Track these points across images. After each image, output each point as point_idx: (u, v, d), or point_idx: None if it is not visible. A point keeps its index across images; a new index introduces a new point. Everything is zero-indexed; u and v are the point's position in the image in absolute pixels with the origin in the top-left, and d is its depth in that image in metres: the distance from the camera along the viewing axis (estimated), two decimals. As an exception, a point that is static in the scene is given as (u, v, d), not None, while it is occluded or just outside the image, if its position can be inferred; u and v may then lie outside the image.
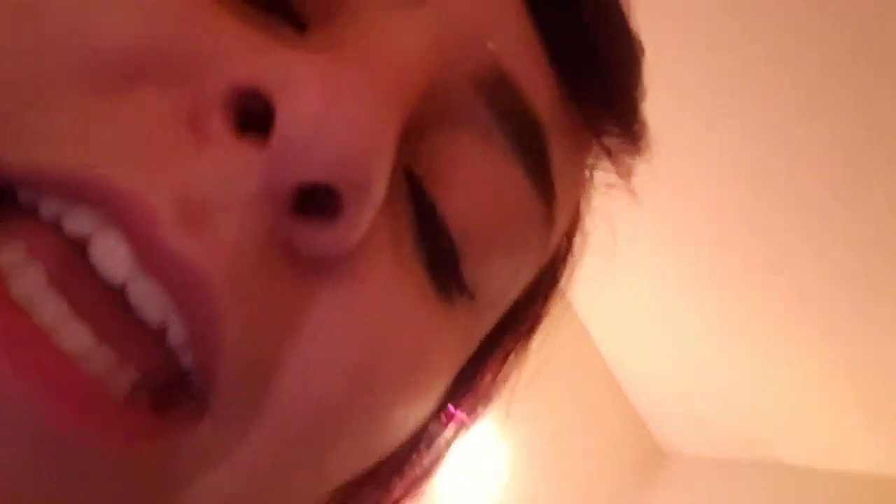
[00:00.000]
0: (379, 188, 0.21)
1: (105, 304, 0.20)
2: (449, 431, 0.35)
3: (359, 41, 0.23)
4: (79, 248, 0.20)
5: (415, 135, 0.24)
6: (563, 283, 0.37)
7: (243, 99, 0.20)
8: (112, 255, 0.19)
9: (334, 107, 0.19)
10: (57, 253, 0.20)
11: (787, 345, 2.13)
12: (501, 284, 0.30)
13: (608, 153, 0.31)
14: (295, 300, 0.22)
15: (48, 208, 0.20)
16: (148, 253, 0.19)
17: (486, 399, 0.36)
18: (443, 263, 0.27)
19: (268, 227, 0.20)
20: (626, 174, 0.33)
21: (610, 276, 2.08)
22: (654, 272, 2.15)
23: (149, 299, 0.20)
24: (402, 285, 0.25)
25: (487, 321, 0.31)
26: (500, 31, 0.27)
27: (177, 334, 0.20)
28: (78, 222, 0.19)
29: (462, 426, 0.36)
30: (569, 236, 0.35)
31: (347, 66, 0.21)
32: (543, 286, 0.35)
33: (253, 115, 0.20)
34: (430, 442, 0.34)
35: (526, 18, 0.28)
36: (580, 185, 0.34)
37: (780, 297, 2.01)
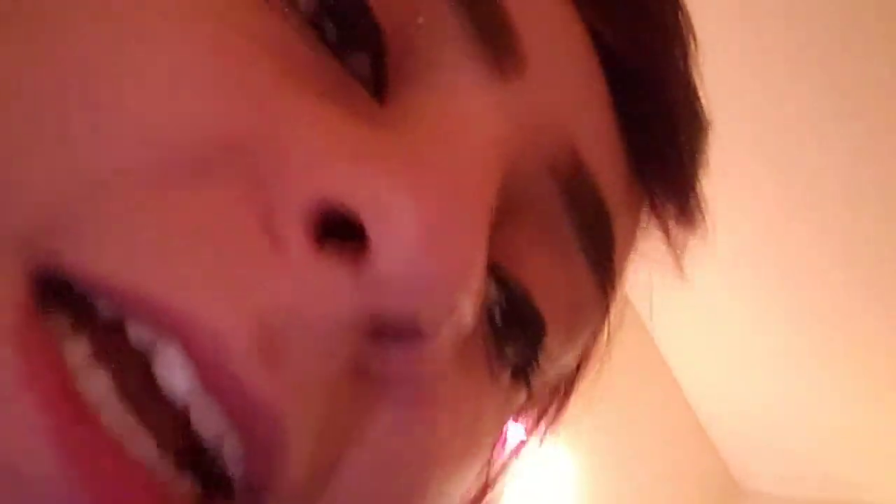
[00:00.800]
0: (472, 318, 0.20)
1: (163, 409, 0.18)
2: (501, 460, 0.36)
3: (443, 125, 0.22)
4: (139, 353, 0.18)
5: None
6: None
7: (326, 209, 0.19)
8: (175, 373, 0.18)
9: (433, 244, 0.18)
10: (118, 355, 0.18)
11: (873, 385, 2.06)
12: (551, 368, 0.30)
13: (667, 235, 0.31)
14: (358, 411, 0.21)
15: (107, 310, 0.18)
16: (216, 383, 0.18)
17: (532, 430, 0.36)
18: (512, 354, 0.26)
19: (346, 356, 0.19)
20: (680, 252, 0.32)
21: (693, 310, 2.06)
22: (738, 307, 2.12)
23: (208, 420, 0.18)
24: (463, 385, 0.24)
25: (527, 396, 0.31)
26: (582, 117, 0.26)
27: (232, 450, 0.19)
28: (140, 332, 0.18)
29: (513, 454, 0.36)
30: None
31: (442, 181, 0.20)
32: (583, 353, 0.34)
33: (334, 223, 0.19)
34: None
35: (606, 101, 0.27)
36: (630, 258, 0.33)
37: (868, 337, 1.95)
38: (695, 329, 2.20)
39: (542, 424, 0.36)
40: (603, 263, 0.27)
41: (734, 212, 1.74)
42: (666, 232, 0.31)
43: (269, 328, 0.17)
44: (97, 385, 0.18)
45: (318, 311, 0.18)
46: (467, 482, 0.27)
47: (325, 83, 0.21)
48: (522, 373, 0.27)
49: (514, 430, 0.35)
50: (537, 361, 0.27)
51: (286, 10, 0.21)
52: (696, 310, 2.06)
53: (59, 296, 0.18)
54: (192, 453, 0.19)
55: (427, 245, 0.18)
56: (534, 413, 0.35)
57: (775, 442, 2.46)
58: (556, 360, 0.29)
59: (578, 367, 0.35)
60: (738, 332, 2.22)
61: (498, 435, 0.29)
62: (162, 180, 0.18)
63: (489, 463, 0.35)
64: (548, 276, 0.26)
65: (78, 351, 0.18)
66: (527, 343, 0.27)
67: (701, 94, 0.30)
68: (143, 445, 0.18)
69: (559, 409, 0.36)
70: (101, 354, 0.18)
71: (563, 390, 0.36)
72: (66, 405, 0.16)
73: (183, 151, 0.18)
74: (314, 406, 0.19)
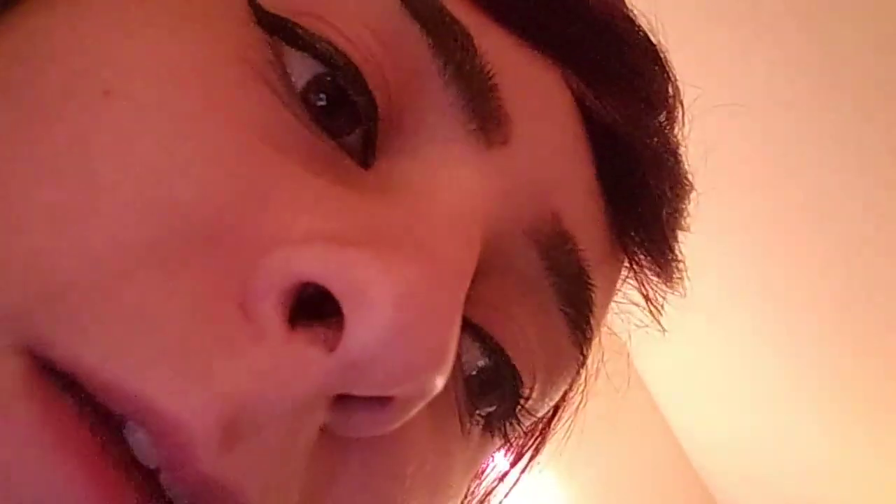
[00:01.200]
0: (439, 389, 0.20)
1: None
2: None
3: (426, 191, 0.22)
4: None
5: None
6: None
7: (301, 288, 0.19)
8: (144, 449, 0.18)
9: (407, 329, 0.18)
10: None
11: (854, 407, 2.07)
12: (527, 420, 0.30)
13: (646, 298, 0.32)
14: (324, 473, 0.21)
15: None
16: (179, 468, 0.18)
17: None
18: (488, 410, 0.27)
19: (313, 428, 0.19)
20: (658, 312, 0.33)
21: (677, 342, 2.06)
22: (722, 340, 2.12)
23: (176, 492, 0.18)
24: (434, 441, 0.24)
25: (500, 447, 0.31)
26: (565, 184, 0.26)
27: None
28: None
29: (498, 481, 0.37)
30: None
31: (419, 262, 0.19)
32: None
33: (309, 297, 0.19)
34: None
35: (591, 168, 0.27)
36: (606, 314, 0.33)
37: (850, 361, 1.96)
38: (678, 361, 2.21)
39: (525, 456, 0.36)
40: (581, 325, 0.28)
41: (717, 246, 1.76)
42: (644, 288, 0.32)
43: (235, 414, 0.17)
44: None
45: (287, 391, 0.18)
46: None
47: (311, 154, 0.22)
48: (499, 427, 0.28)
49: (498, 459, 0.35)
50: (516, 418, 0.28)
51: (279, 86, 0.22)
52: (680, 342, 2.06)
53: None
54: None
55: (402, 332, 0.18)
56: (516, 446, 0.35)
57: (759, 470, 2.46)
58: (533, 413, 0.29)
59: (556, 409, 0.35)
60: (721, 363, 2.23)
61: (469, 481, 0.30)
62: (142, 261, 0.18)
63: (469, 495, 0.34)
64: (527, 336, 0.27)
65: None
66: (504, 401, 0.27)
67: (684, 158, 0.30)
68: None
69: (541, 443, 0.36)
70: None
71: (542, 428, 0.36)
72: (85, 449, 0.17)
73: (165, 229, 0.18)
74: (277, 480, 0.19)
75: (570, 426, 0.38)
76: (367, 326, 0.18)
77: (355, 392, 0.19)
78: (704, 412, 2.44)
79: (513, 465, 0.36)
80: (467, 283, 0.21)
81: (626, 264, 0.32)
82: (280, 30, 0.22)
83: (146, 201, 0.18)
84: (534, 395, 0.28)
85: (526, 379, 0.27)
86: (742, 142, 1.60)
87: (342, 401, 0.19)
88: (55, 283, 0.17)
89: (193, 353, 0.17)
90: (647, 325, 0.36)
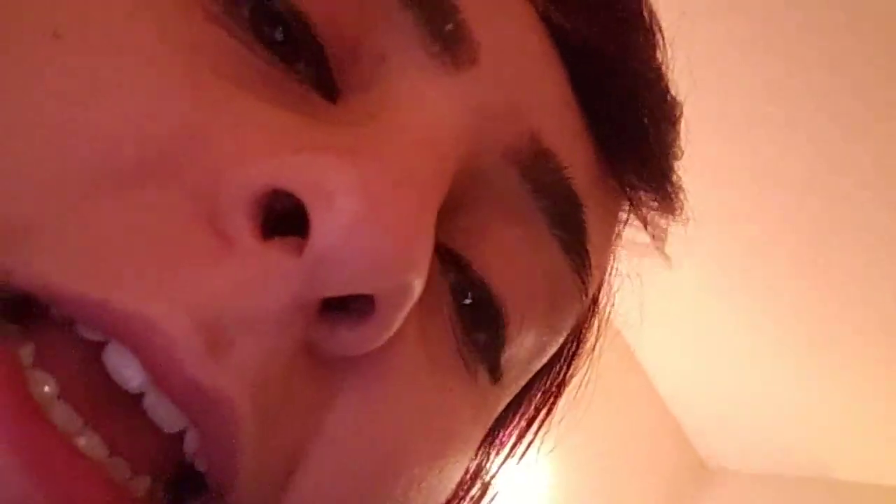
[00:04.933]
0: (416, 292, 0.20)
1: (119, 409, 0.18)
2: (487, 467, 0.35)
3: (395, 117, 0.22)
4: (93, 350, 0.18)
5: (449, 210, 0.23)
6: (602, 313, 0.36)
7: (270, 199, 0.19)
8: (127, 367, 0.18)
9: (372, 218, 0.18)
10: (69, 356, 0.18)
11: (834, 359, 2.09)
12: (529, 360, 0.29)
13: (644, 223, 0.31)
14: (318, 398, 0.21)
15: (59, 313, 0.18)
16: (165, 377, 0.17)
17: (517, 444, 0.36)
18: (479, 342, 0.26)
19: (295, 339, 0.19)
20: (660, 238, 0.32)
21: (655, 295, 2.05)
22: (700, 290, 2.13)
23: (165, 413, 0.18)
24: (432, 373, 0.24)
25: (511, 393, 0.30)
26: (541, 102, 0.26)
27: (193, 443, 0.19)
28: (90, 332, 0.18)
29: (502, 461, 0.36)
30: (594, 298, 0.34)
31: (384, 163, 0.20)
32: (568, 349, 0.34)
33: (279, 214, 0.19)
34: (468, 485, 0.34)
35: (566, 87, 0.27)
36: (611, 249, 0.33)
37: (829, 314, 1.98)
38: (660, 318, 2.23)
39: (532, 431, 0.36)
40: (576, 248, 0.27)
41: (700, 208, 1.76)
42: (643, 221, 0.31)
43: (213, 320, 0.17)
44: (44, 387, 0.18)
45: (262, 298, 0.18)
46: (449, 479, 0.27)
47: (270, 86, 0.22)
48: (495, 362, 0.27)
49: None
50: (502, 347, 0.27)
51: (229, 21, 0.21)
52: (662, 299, 2.08)
53: (6, 305, 0.18)
54: (155, 455, 0.19)
55: (367, 223, 0.18)
56: (523, 420, 0.35)
57: (741, 421, 2.49)
58: (534, 348, 0.29)
59: (567, 371, 0.35)
60: (702, 318, 2.24)
61: (480, 435, 0.29)
62: (106, 187, 0.18)
63: (483, 467, 0.34)
64: (518, 264, 0.26)
65: (25, 355, 0.18)
66: (489, 330, 0.26)
67: (671, 82, 0.29)
68: (92, 446, 0.18)
69: (548, 414, 0.36)
70: (49, 358, 0.18)
71: (550, 396, 0.35)
72: (16, 403, 0.16)
73: (125, 156, 0.18)
74: (266, 391, 0.19)
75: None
76: (331, 221, 0.18)
77: (329, 292, 0.19)
78: (688, 369, 2.46)
79: (526, 427, 0.35)
80: (439, 194, 0.21)
81: (626, 203, 0.30)
82: None
83: (105, 131, 0.18)
84: (530, 323, 0.27)
85: (511, 305, 0.26)
86: (726, 89, 1.60)
87: (327, 317, 0.19)
88: (19, 214, 0.17)
89: (166, 265, 0.18)
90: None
